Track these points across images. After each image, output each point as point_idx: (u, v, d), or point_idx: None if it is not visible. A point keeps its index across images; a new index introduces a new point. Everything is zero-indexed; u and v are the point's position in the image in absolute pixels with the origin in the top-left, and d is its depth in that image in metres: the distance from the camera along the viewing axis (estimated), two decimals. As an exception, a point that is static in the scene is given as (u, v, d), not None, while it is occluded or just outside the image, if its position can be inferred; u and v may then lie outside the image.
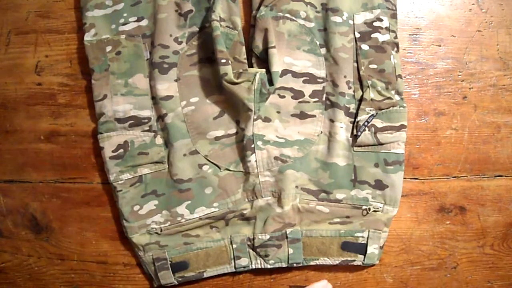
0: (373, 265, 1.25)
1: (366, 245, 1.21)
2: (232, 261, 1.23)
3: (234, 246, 1.22)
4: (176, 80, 1.18)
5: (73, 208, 1.27)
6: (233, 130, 1.19)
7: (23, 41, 1.26)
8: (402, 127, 1.18)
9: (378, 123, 1.17)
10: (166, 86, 1.18)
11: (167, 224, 1.20)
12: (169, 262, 1.21)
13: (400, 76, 1.18)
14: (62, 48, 1.26)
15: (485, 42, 1.26)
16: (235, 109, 1.18)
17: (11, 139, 1.27)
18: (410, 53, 1.25)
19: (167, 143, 1.19)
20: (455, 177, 1.27)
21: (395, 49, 1.19)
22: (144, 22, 1.18)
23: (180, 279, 1.22)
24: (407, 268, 1.28)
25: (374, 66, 1.17)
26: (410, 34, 1.26)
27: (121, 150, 1.17)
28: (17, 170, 1.27)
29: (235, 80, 1.12)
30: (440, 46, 1.26)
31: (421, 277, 1.28)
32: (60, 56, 1.26)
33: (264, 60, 1.17)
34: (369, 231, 1.21)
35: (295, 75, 1.18)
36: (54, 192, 1.27)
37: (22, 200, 1.27)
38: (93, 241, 1.27)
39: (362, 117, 1.18)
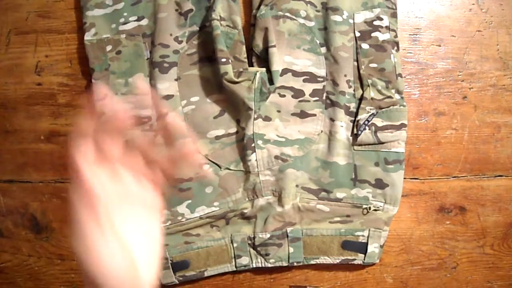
0: (374, 264, 1.25)
1: (366, 244, 1.21)
2: (233, 260, 1.23)
3: (235, 245, 1.22)
4: (176, 80, 1.18)
5: (73, 208, 1.27)
6: (234, 129, 1.19)
7: (23, 41, 1.26)
8: (402, 126, 1.18)
9: (379, 122, 1.17)
10: (166, 86, 1.18)
11: (167, 224, 1.19)
12: (169, 261, 1.21)
13: (400, 75, 1.19)
14: (62, 48, 1.26)
15: (485, 42, 1.26)
16: (236, 108, 1.18)
17: (11, 139, 1.26)
18: (410, 53, 1.25)
19: (168, 143, 1.19)
20: (455, 177, 1.27)
21: (395, 48, 1.19)
22: (144, 22, 1.18)
23: (181, 278, 1.22)
24: (407, 268, 1.28)
25: (374, 65, 1.18)
26: (410, 34, 1.26)
27: (121, 150, 1.17)
28: (17, 170, 1.27)
29: (236, 79, 1.12)
30: (440, 46, 1.26)
31: (421, 277, 1.28)
32: (60, 56, 1.25)
33: (264, 59, 1.17)
34: (369, 230, 1.21)
35: (296, 74, 1.18)
36: (54, 192, 1.27)
37: (22, 200, 1.27)
38: (93, 241, 1.27)
39: (362, 116, 1.18)
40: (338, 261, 1.22)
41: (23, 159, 1.27)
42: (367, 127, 1.17)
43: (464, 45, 1.26)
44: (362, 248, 1.21)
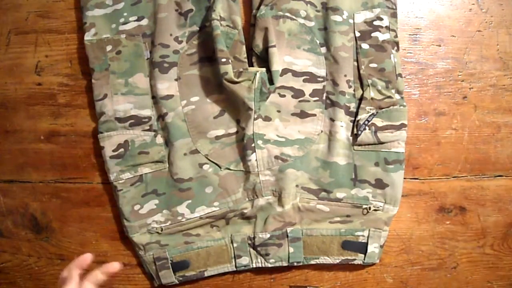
0: (373, 264, 1.25)
1: (366, 244, 1.21)
2: (233, 260, 1.23)
3: (235, 245, 1.22)
4: (176, 80, 1.18)
5: (73, 208, 1.27)
6: (234, 129, 1.19)
7: (23, 41, 1.26)
8: (402, 126, 1.18)
9: (378, 122, 1.17)
10: (166, 86, 1.18)
11: (167, 224, 1.20)
12: (169, 262, 1.21)
13: (400, 75, 1.19)
14: (62, 48, 1.26)
15: (485, 42, 1.26)
16: (236, 108, 1.18)
17: (11, 139, 1.27)
18: (410, 53, 1.25)
19: (168, 143, 1.19)
20: (455, 177, 1.27)
21: (395, 48, 1.19)
22: (144, 22, 1.18)
23: (181, 279, 1.22)
24: (407, 268, 1.28)
25: (374, 65, 1.18)
26: (410, 34, 1.26)
27: (122, 150, 1.17)
28: (17, 170, 1.27)
29: (236, 79, 1.12)
30: (440, 46, 1.26)
31: (421, 277, 1.28)
32: (60, 56, 1.26)
33: (264, 59, 1.18)
34: (369, 230, 1.21)
35: (296, 74, 1.19)
36: (54, 192, 1.27)
37: (22, 200, 1.27)
38: (93, 241, 1.27)
39: (362, 116, 1.18)
40: (338, 261, 1.22)
41: (23, 159, 1.27)
42: (367, 127, 1.17)
43: (464, 45, 1.26)
44: (362, 248, 1.21)
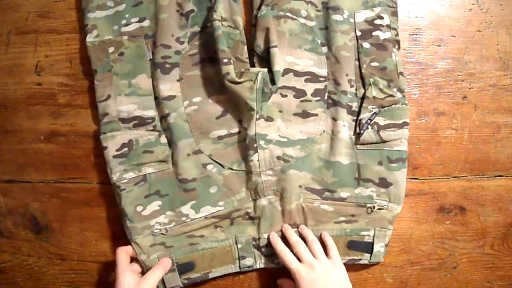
0: (378, 263, 1.25)
1: (372, 244, 1.21)
2: (237, 261, 1.22)
3: (239, 246, 1.21)
4: (178, 80, 1.18)
5: (73, 208, 1.27)
6: (236, 130, 1.19)
7: (23, 41, 1.26)
8: (404, 124, 1.18)
9: (381, 120, 1.17)
10: (168, 86, 1.17)
11: (171, 225, 1.19)
12: (175, 264, 1.20)
13: (401, 73, 1.19)
14: (62, 48, 1.25)
15: (485, 42, 1.26)
16: (238, 108, 1.18)
17: (11, 139, 1.26)
18: (410, 53, 1.26)
19: (171, 143, 1.19)
20: (455, 177, 1.27)
21: (396, 46, 1.19)
22: (146, 23, 1.18)
23: (185, 281, 1.21)
24: (407, 268, 1.28)
25: (376, 64, 1.18)
26: (410, 34, 1.26)
27: (126, 149, 1.17)
28: (17, 170, 1.27)
29: (237, 80, 1.12)
30: (440, 46, 1.26)
31: (421, 277, 1.28)
32: (60, 56, 1.25)
33: (266, 60, 1.17)
34: (375, 230, 1.21)
35: (297, 74, 1.19)
36: (54, 192, 1.26)
37: (22, 200, 1.27)
38: (93, 241, 1.27)
39: (364, 115, 1.18)
40: (344, 261, 1.20)
41: (23, 159, 1.26)
42: (369, 126, 1.17)
43: (464, 45, 1.26)
44: (368, 247, 1.21)
